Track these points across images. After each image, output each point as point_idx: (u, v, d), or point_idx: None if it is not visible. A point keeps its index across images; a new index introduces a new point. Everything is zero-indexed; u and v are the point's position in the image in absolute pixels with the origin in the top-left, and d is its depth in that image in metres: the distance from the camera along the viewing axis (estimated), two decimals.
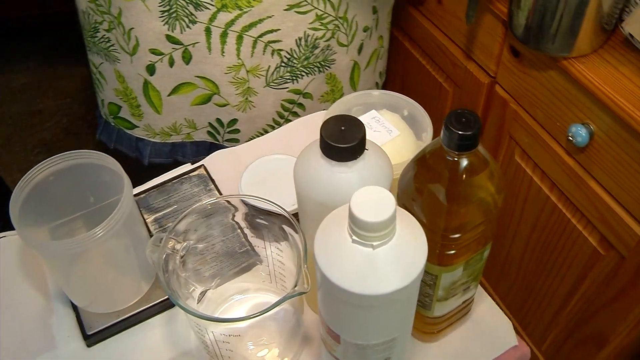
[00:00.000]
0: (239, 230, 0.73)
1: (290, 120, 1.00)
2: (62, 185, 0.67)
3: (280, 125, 1.04)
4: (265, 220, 0.65)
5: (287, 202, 0.64)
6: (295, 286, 0.54)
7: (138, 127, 1.06)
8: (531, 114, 1.02)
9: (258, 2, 0.87)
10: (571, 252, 1.04)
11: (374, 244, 0.44)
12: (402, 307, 0.50)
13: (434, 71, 1.27)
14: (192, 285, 0.67)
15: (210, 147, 1.06)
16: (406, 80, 1.40)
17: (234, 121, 1.02)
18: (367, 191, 0.45)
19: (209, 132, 1.04)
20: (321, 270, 0.47)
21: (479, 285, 0.70)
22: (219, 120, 1.02)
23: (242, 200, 0.64)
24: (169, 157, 1.08)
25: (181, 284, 0.64)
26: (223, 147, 1.02)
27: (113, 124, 1.09)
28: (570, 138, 0.90)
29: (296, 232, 0.59)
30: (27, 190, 0.65)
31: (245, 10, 0.88)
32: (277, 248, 0.66)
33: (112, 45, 0.97)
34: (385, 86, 1.27)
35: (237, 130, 1.03)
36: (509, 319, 0.71)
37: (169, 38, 0.91)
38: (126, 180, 0.64)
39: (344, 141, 0.50)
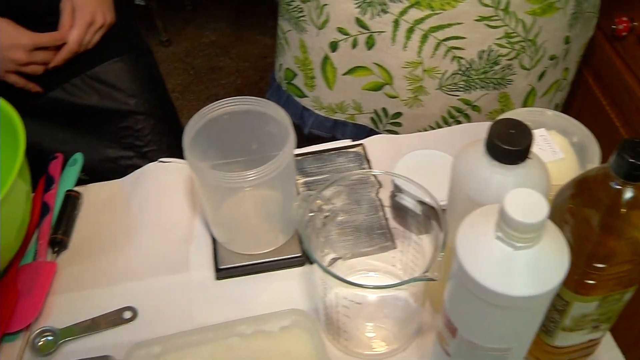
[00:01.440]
0: (381, 213, 0.75)
1: None
2: (232, 126, 0.71)
3: None
4: (412, 207, 0.65)
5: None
6: (426, 272, 0.55)
7: (307, 97, 1.10)
8: None
9: (451, 7, 0.88)
10: None
11: (517, 244, 0.44)
12: (527, 318, 0.50)
13: (613, 113, 1.21)
14: (327, 250, 0.70)
15: (369, 133, 1.08)
16: (580, 115, 1.34)
17: (398, 114, 1.03)
18: (524, 192, 0.45)
19: (371, 118, 1.07)
20: (458, 259, 0.47)
21: (609, 334, 0.67)
22: (384, 110, 1.04)
23: (393, 180, 0.66)
24: (329, 132, 1.11)
25: (315, 246, 0.67)
26: None
27: (285, 88, 1.15)
28: None
29: (440, 227, 0.59)
30: (201, 123, 0.70)
31: (436, 11, 0.89)
32: (418, 237, 0.66)
33: (303, 16, 1.02)
34: None
35: (399, 124, 1.05)
36: None
37: (358, 21, 0.94)
38: (292, 135, 0.67)
39: (509, 144, 0.50)
